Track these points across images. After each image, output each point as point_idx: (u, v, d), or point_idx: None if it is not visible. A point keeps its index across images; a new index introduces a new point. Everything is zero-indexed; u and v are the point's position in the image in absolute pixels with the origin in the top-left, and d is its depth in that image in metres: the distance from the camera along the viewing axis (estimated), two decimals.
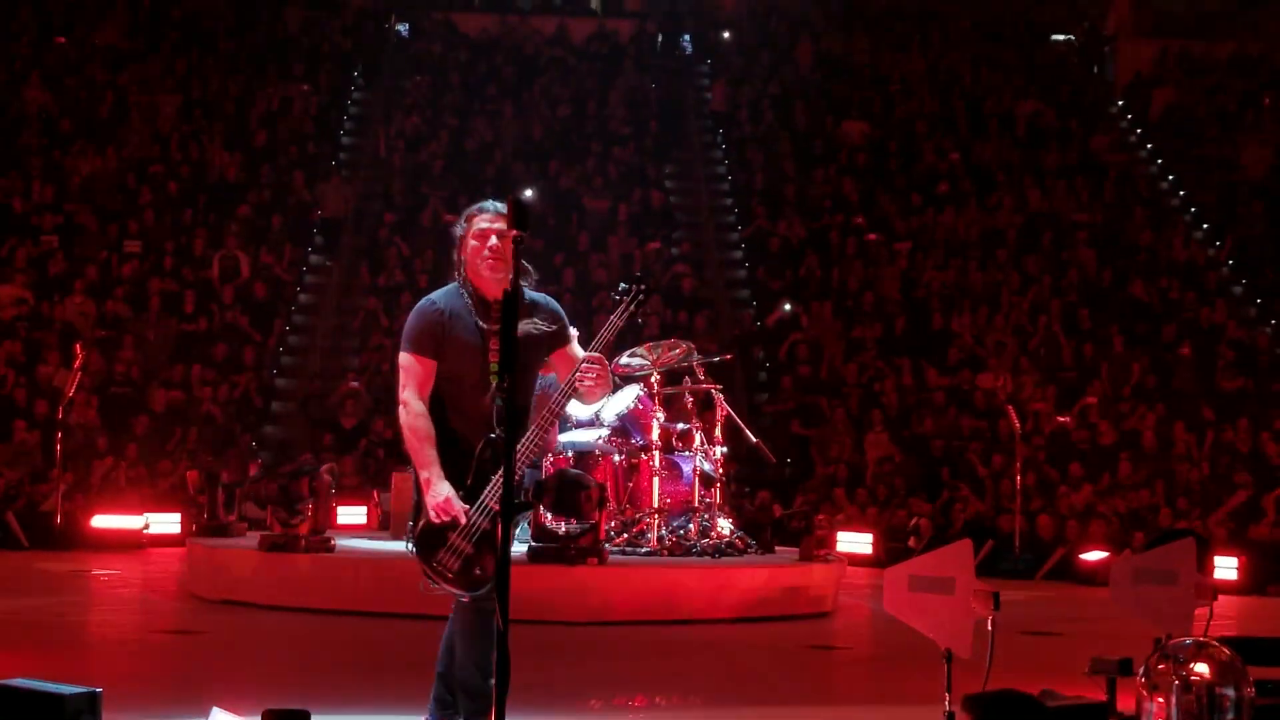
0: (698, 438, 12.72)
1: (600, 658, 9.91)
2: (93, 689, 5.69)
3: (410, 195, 23.51)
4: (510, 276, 5.74)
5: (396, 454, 18.41)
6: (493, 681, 5.84)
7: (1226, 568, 15.39)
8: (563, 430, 12.64)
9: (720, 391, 13.05)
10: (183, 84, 24.83)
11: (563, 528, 11.23)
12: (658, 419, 12.47)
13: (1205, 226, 23.71)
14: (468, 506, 5.76)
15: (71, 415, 17.63)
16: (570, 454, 12.40)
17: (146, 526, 16.78)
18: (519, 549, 11.01)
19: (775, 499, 17.82)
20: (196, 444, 18.53)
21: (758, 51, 27.89)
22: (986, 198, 23.55)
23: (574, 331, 6.29)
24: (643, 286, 6.02)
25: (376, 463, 18.42)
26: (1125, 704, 6.74)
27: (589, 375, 5.82)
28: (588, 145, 24.79)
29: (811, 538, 13.05)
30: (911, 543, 16.83)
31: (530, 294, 6.03)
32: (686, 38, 28.94)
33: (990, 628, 6.22)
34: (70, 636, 10.56)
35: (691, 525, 12.52)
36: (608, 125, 25.51)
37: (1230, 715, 5.57)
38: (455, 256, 6.09)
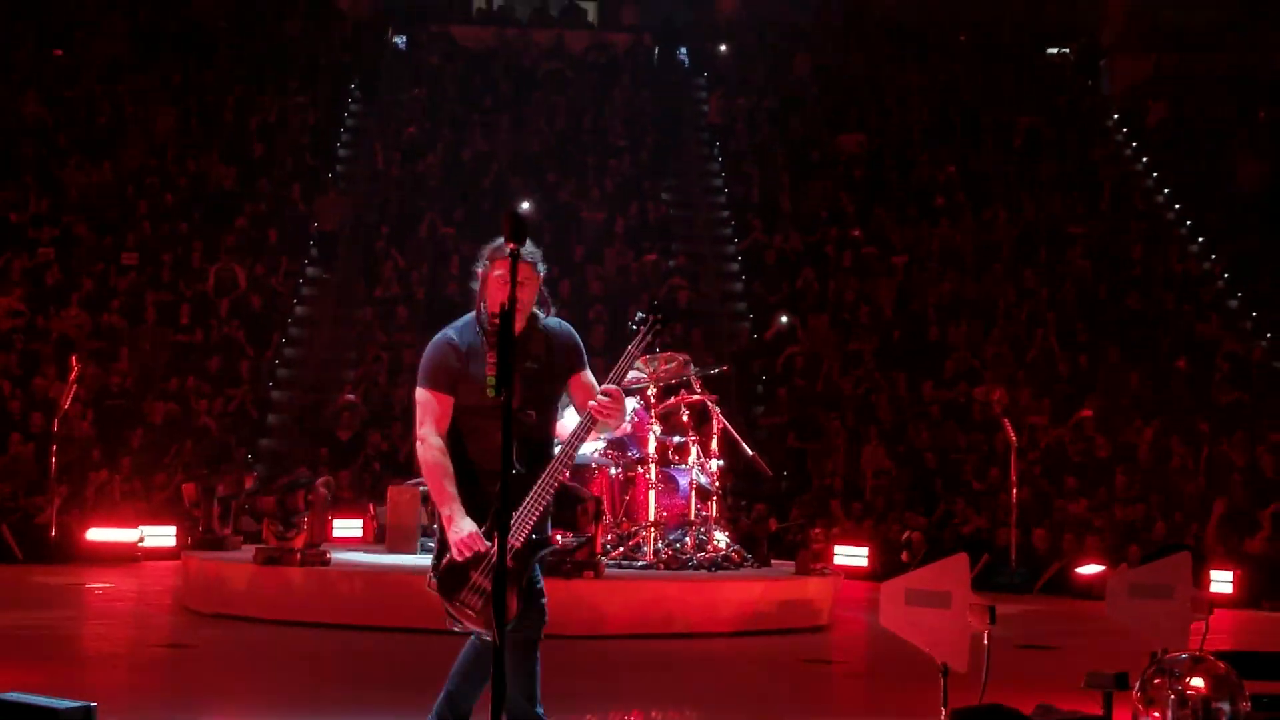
0: (694, 451, 12.72)
1: (595, 671, 9.90)
2: (87, 703, 5.68)
3: (407, 207, 23.51)
4: (526, 301, 5.77)
5: (393, 467, 18.41)
6: (540, 710, 5.86)
7: (1222, 582, 15.38)
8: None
9: (717, 404, 13.04)
10: (180, 96, 24.84)
11: (559, 540, 11.22)
12: (654, 432, 12.47)
13: (1201, 239, 23.72)
14: (489, 545, 5.70)
15: (67, 428, 17.60)
16: None
17: (141, 540, 16.75)
18: None
19: (771, 512, 17.81)
20: (192, 457, 18.50)
21: (754, 64, 27.92)
22: (983, 210, 23.56)
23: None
24: (659, 316, 5.97)
25: (373, 476, 18.39)
26: (1121, 718, 6.74)
27: (605, 408, 5.80)
28: (584, 157, 24.81)
29: (808, 551, 13.04)
30: (904, 557, 16.83)
31: (546, 322, 6.00)
32: (683, 50, 28.99)
33: (986, 641, 6.22)
34: (65, 650, 10.53)
35: (688, 538, 12.51)
36: (605, 138, 25.53)
37: None
38: (478, 290, 5.97)
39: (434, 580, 5.83)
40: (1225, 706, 5.65)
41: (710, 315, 22.43)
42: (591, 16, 31.09)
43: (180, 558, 14.07)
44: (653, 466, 12.40)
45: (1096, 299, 21.76)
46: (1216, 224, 23.86)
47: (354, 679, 9.48)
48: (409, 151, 24.83)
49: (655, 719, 8.47)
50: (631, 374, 12.82)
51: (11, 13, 26.03)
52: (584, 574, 11.29)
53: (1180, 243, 23.42)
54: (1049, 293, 21.71)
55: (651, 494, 12.39)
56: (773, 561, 13.56)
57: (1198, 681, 5.65)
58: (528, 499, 5.73)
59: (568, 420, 6.12)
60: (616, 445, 12.59)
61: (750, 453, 13.30)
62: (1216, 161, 25.16)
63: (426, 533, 13.05)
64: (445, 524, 5.78)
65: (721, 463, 13.01)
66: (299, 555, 11.86)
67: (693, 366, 13.00)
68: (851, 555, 17.00)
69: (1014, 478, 16.62)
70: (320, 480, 16.89)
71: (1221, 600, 14.35)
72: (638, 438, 12.53)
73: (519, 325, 5.80)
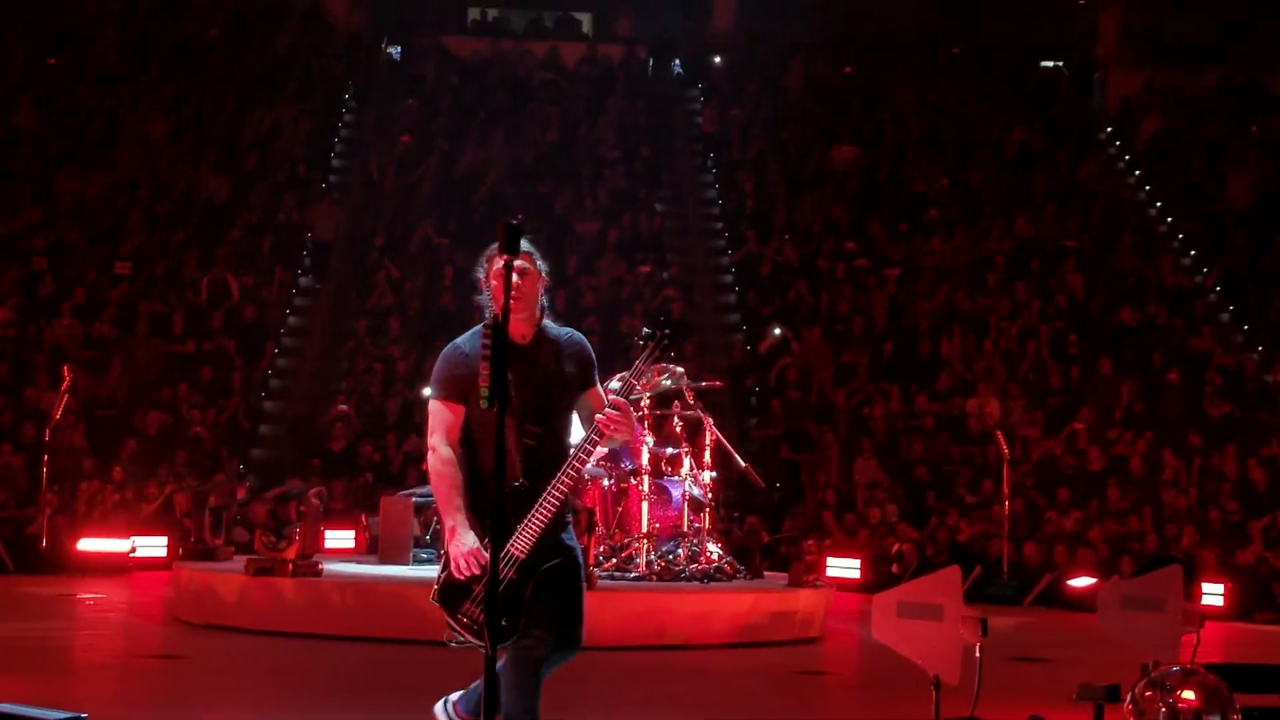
0: (687, 463, 12.72)
1: (588, 682, 9.88)
2: (78, 714, 5.67)
3: (401, 218, 23.51)
4: (525, 317, 5.75)
5: (385, 478, 18.40)
6: None
7: (1213, 594, 15.40)
8: None
9: (710, 416, 13.04)
10: (173, 106, 24.84)
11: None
12: (647, 444, 12.47)
13: (1193, 253, 23.76)
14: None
15: (58, 438, 17.57)
16: None
17: (133, 550, 16.73)
18: None
19: (764, 524, 17.81)
20: (184, 467, 18.48)
21: (748, 76, 27.95)
22: (975, 224, 23.59)
23: None
24: (667, 332, 5.86)
25: (365, 487, 18.38)
26: None
27: (613, 421, 5.74)
28: (578, 169, 24.82)
29: (800, 563, 13.05)
30: (895, 569, 16.84)
31: (557, 331, 5.95)
32: (678, 62, 29.02)
33: (978, 654, 6.23)
34: (56, 661, 10.52)
35: (680, 550, 12.51)
36: (599, 149, 25.54)
37: None
38: (483, 300, 5.91)
39: (436, 591, 5.78)
40: (1216, 719, 5.65)
41: (703, 327, 22.44)
42: (586, 28, 31.12)
43: (172, 568, 14.04)
44: (646, 478, 12.39)
45: (1089, 312, 21.79)
46: (1209, 237, 23.91)
47: (345, 690, 9.47)
48: (403, 162, 24.83)
49: None
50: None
51: (4, 22, 26.03)
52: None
53: (1172, 256, 23.46)
54: (1041, 305, 21.74)
55: (644, 505, 12.38)
56: (765, 573, 13.55)
57: (1189, 694, 5.65)
58: (532, 511, 5.68)
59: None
60: (610, 457, 12.58)
61: (743, 464, 13.29)
62: (1209, 175, 25.23)
63: (419, 544, 13.05)
64: (448, 536, 5.72)
65: (714, 474, 13.00)
66: (291, 566, 11.84)
67: (686, 378, 13.00)
68: (844, 567, 17.01)
69: (1006, 490, 16.64)
70: (312, 491, 16.97)
71: (1212, 613, 14.35)
72: (631, 449, 12.53)
73: (525, 325, 5.79)
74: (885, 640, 6.36)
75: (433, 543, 13.13)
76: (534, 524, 5.68)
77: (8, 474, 17.98)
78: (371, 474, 18.70)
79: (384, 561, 12.99)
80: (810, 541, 17.50)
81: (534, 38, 28.98)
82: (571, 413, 5.99)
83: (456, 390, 5.85)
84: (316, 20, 28.10)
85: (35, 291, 20.83)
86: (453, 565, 5.69)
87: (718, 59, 29.04)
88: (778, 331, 21.53)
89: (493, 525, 5.13)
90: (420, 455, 18.62)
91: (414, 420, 19.69)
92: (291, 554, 12.19)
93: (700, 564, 12.42)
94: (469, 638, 5.69)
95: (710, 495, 12.90)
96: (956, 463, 19.15)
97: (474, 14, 31.23)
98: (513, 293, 5.72)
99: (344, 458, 19.05)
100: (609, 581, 11.99)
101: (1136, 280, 22.55)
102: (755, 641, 11.76)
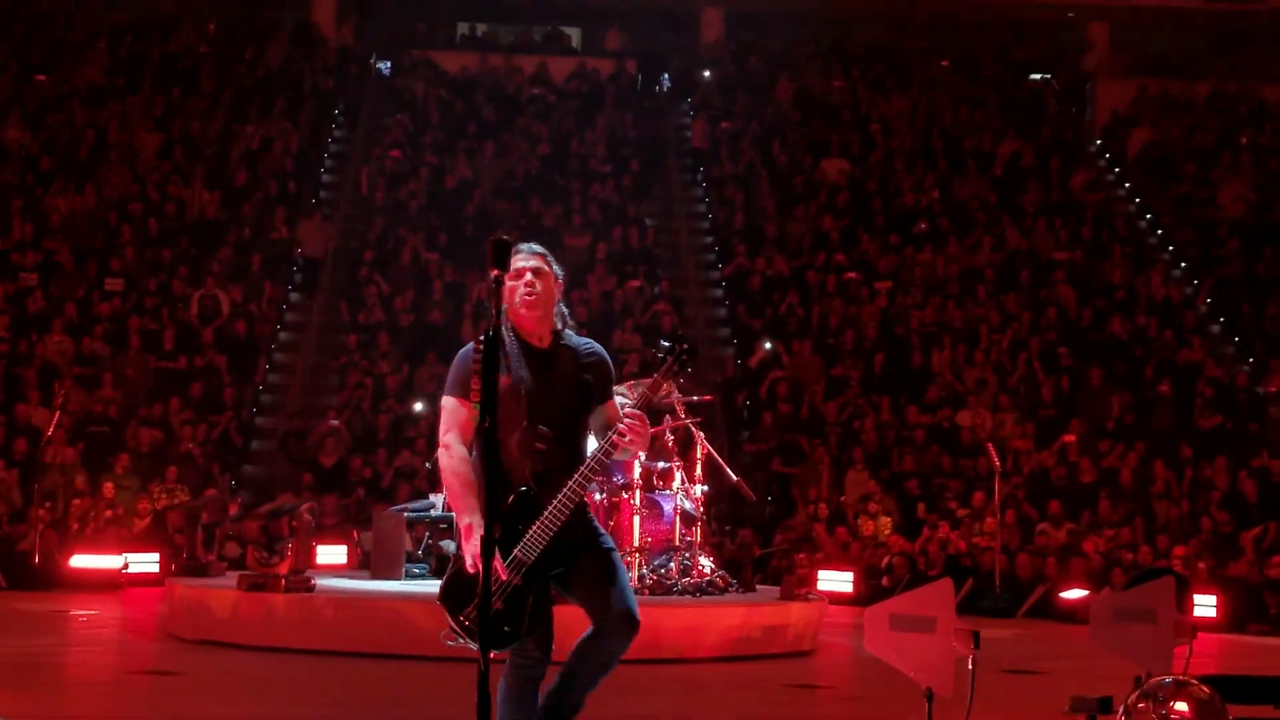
0: (678, 476, 12.71)
1: None
2: None
3: (390, 233, 23.52)
4: (542, 316, 5.74)
5: (376, 493, 18.39)
6: None
7: (1206, 606, 15.40)
8: None
9: (701, 429, 13.04)
10: (163, 122, 24.84)
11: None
12: (639, 457, 12.45)
13: (1183, 265, 23.82)
14: (502, 566, 5.59)
15: (50, 454, 17.56)
16: None
17: (125, 566, 16.71)
18: None
19: (756, 538, 17.81)
20: (176, 483, 18.46)
21: (738, 90, 27.99)
22: (966, 236, 23.62)
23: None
24: (685, 346, 5.85)
25: (357, 502, 18.37)
26: None
27: (630, 431, 5.69)
28: (568, 183, 24.84)
29: (792, 576, 13.03)
30: (885, 582, 16.83)
31: (574, 340, 5.94)
32: (667, 76, 29.07)
33: (971, 666, 6.23)
34: (48, 677, 10.49)
35: (672, 564, 12.50)
36: (588, 163, 25.56)
37: None
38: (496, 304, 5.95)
39: (441, 589, 5.72)
40: None
41: (694, 341, 22.41)
42: (575, 42, 31.17)
43: (164, 584, 14.02)
44: (637, 492, 12.38)
45: (1079, 324, 21.82)
46: (1199, 249, 23.97)
47: (338, 706, 9.45)
48: (392, 177, 24.85)
49: None
50: (618, 399, 12.82)
51: None
52: (568, 599, 11.26)
53: (1163, 268, 23.51)
54: (1032, 318, 21.77)
55: (636, 519, 12.36)
56: (757, 587, 13.54)
57: (1182, 706, 5.66)
58: (542, 518, 5.64)
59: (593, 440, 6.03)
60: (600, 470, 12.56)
61: (735, 478, 13.29)
62: (1199, 187, 25.28)
63: (411, 559, 13.04)
64: (464, 534, 5.64)
65: (706, 488, 13.00)
66: (283, 581, 11.81)
67: (677, 392, 12.99)
68: (836, 580, 17.00)
69: (997, 502, 16.66)
70: (304, 506, 16.96)
71: (1205, 624, 14.37)
72: (622, 462, 12.52)
73: (541, 326, 5.81)
74: (878, 653, 6.35)
75: (425, 558, 13.12)
76: (544, 530, 5.64)
77: (0, 490, 17.96)
78: (363, 489, 18.70)
79: (376, 577, 12.97)
80: (802, 555, 17.51)
81: (523, 52, 29.03)
82: (586, 422, 5.94)
83: (470, 389, 5.82)
84: (306, 36, 28.12)
85: (26, 308, 20.82)
86: (467, 562, 5.61)
87: (707, 73, 29.10)
88: (769, 345, 21.54)
89: (485, 531, 5.09)
90: (411, 471, 18.66)
91: (405, 435, 19.70)
92: (284, 569, 12.17)
93: (692, 578, 12.41)
94: (467, 639, 5.62)
95: (702, 509, 12.90)
96: (948, 475, 19.16)
97: (463, 29, 31.29)
98: (529, 293, 5.75)
99: (335, 473, 19.05)
100: None
101: (1127, 292, 22.59)
102: (747, 655, 11.74)
